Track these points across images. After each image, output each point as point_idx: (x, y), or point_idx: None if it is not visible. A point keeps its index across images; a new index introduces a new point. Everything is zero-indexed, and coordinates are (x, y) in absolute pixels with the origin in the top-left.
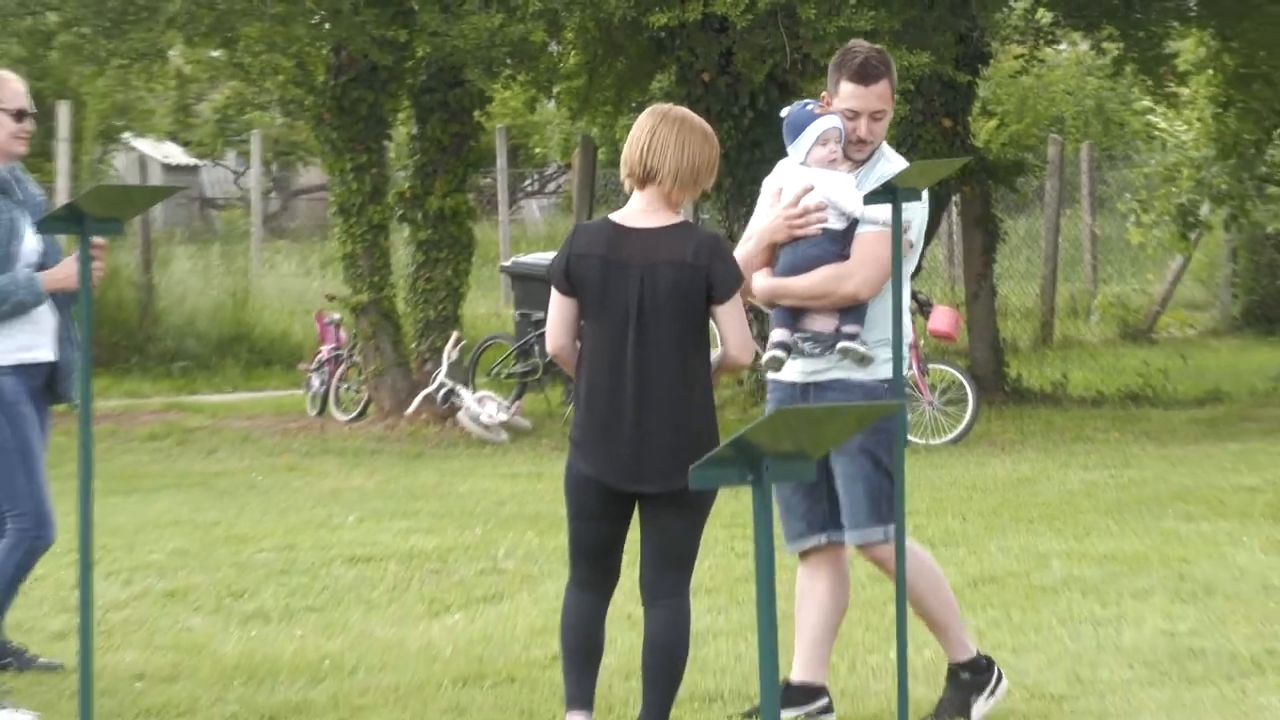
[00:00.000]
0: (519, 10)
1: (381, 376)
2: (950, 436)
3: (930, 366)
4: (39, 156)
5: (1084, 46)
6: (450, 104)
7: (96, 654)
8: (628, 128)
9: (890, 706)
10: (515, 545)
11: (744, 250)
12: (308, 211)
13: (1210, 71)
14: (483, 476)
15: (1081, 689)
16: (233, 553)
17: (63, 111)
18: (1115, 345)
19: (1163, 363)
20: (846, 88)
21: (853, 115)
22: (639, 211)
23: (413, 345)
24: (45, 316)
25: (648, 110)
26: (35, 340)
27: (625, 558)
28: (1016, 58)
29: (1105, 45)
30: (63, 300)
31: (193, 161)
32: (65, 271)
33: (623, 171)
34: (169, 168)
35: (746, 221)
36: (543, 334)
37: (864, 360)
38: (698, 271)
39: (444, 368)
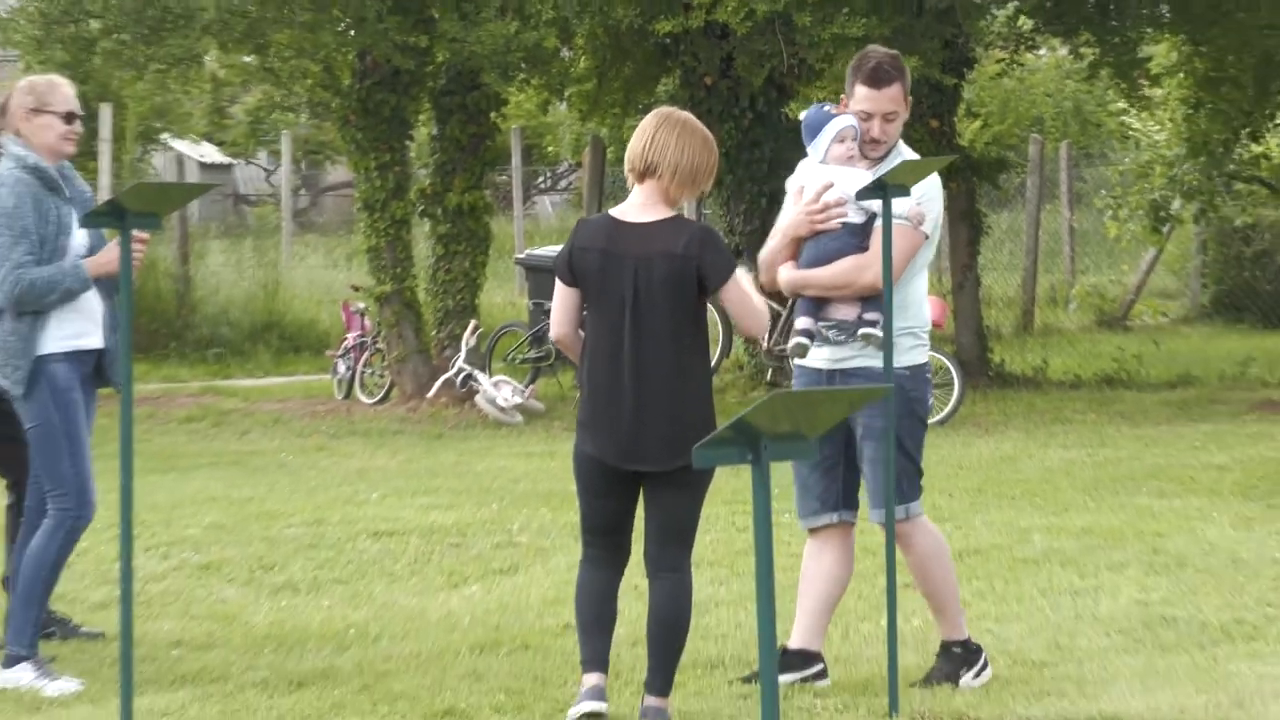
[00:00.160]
0: (533, 18)
1: (404, 362)
2: (937, 418)
3: None
4: (83, 156)
5: (1063, 51)
6: (468, 106)
7: (136, 623)
8: (635, 128)
9: (881, 672)
10: (529, 520)
11: (770, 245)
12: (334, 207)
13: (1181, 75)
14: (499, 456)
15: (1061, 656)
16: (264, 528)
17: (105, 114)
18: (1092, 332)
19: (1137, 348)
20: (861, 91)
21: (866, 116)
22: (636, 206)
23: (433, 333)
24: (94, 306)
25: (653, 112)
26: (86, 328)
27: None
28: (999, 62)
29: (1083, 50)
30: (109, 290)
31: (226, 160)
32: (108, 256)
33: (625, 166)
34: (204, 166)
35: (746, 217)
36: None
37: (885, 346)
38: (689, 263)
39: (462, 354)
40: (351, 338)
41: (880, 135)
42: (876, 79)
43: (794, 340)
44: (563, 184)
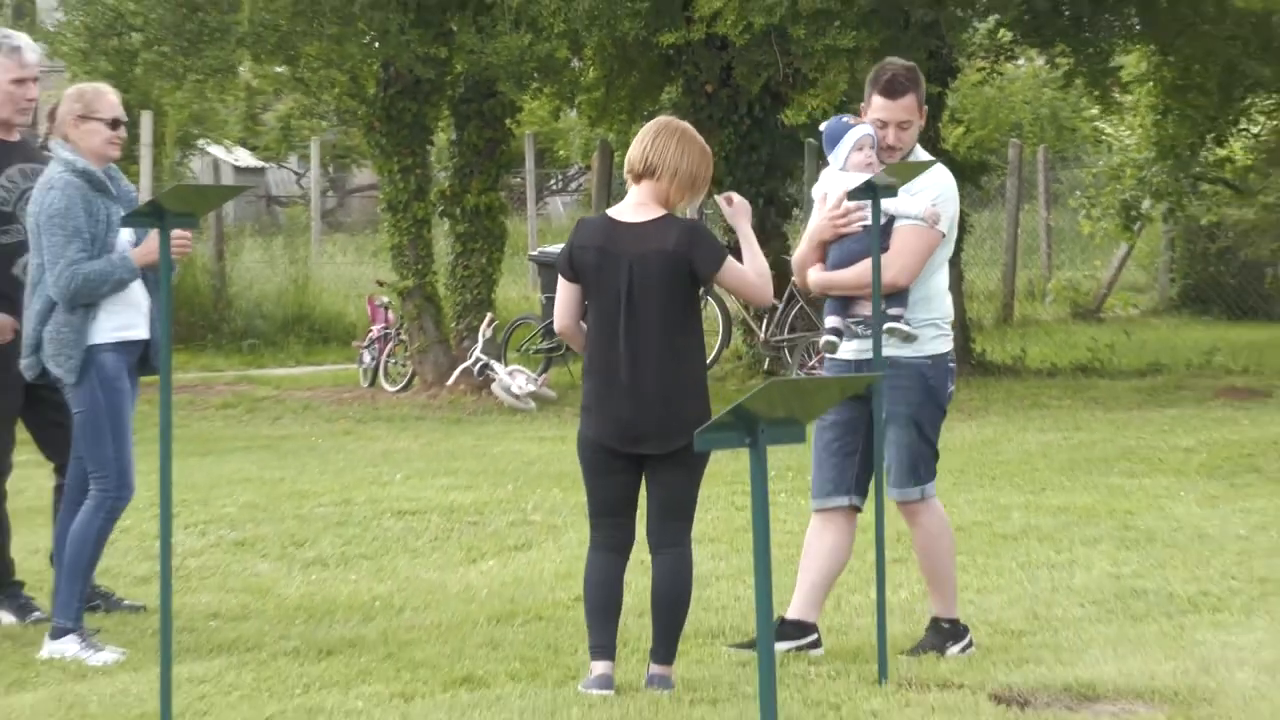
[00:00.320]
0: (545, 31)
1: (425, 352)
2: None
3: None
4: (126, 160)
5: (1040, 61)
6: (485, 113)
7: (175, 596)
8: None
9: (870, 641)
10: (542, 500)
11: (800, 250)
12: (360, 208)
13: (1151, 83)
14: (514, 440)
15: (1038, 625)
16: (295, 507)
17: (145, 121)
18: (1067, 323)
19: (1109, 339)
20: (877, 101)
21: (882, 125)
22: (632, 206)
23: (452, 325)
24: (141, 299)
25: (652, 121)
26: (133, 320)
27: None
28: (980, 71)
29: (1058, 60)
30: (154, 284)
31: (259, 164)
32: (151, 245)
33: (624, 169)
34: (239, 169)
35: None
36: None
37: (909, 338)
38: (681, 258)
39: (480, 345)
40: (376, 330)
41: (895, 142)
42: (891, 90)
43: (825, 338)
44: (573, 186)
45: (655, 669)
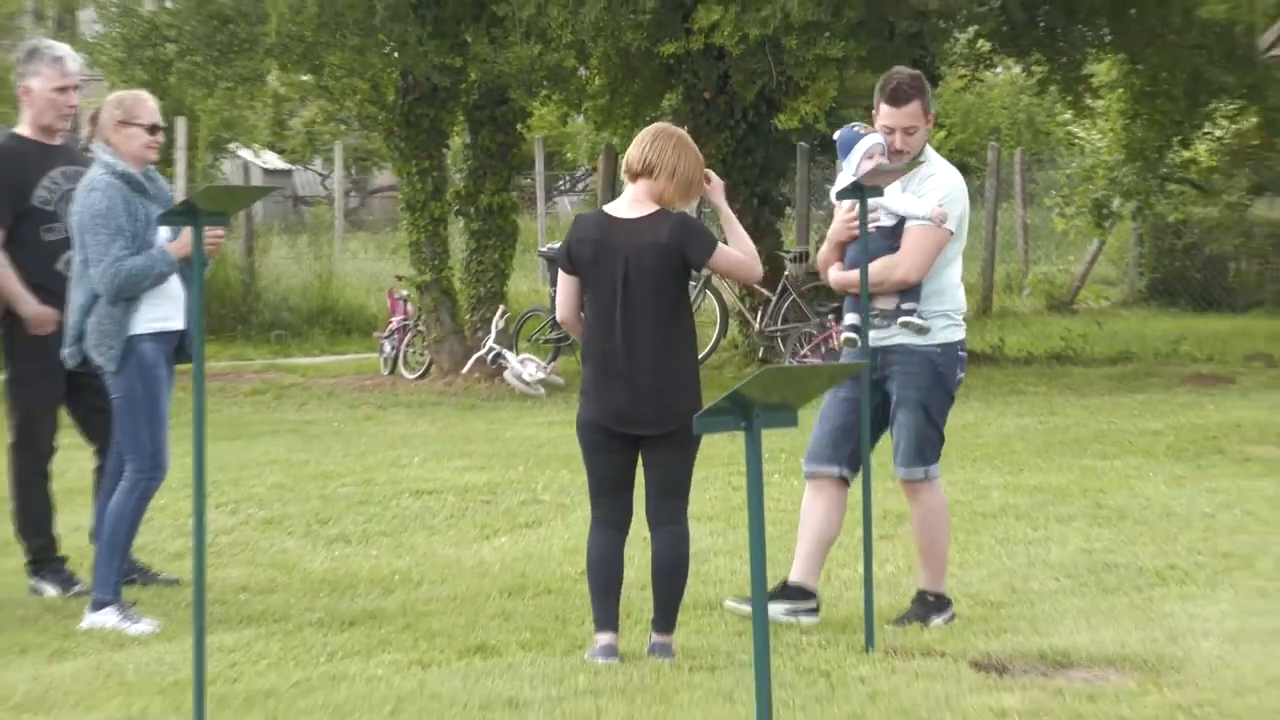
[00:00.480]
0: (554, 41)
1: (442, 342)
2: None
3: None
4: (162, 163)
5: (1016, 69)
6: (497, 118)
7: (208, 570)
8: None
9: (858, 612)
10: (551, 480)
11: (822, 251)
12: (381, 207)
13: (1121, 89)
14: (525, 424)
15: (1016, 597)
16: (320, 487)
17: (180, 126)
18: (1043, 315)
19: (1082, 329)
20: (883, 109)
21: (890, 131)
22: (627, 202)
23: (467, 316)
24: (178, 291)
25: (650, 127)
26: (171, 311)
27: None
28: (961, 78)
29: (1034, 68)
30: (188, 278)
31: (287, 166)
32: (185, 239)
33: (623, 169)
34: (267, 171)
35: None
36: None
37: (921, 330)
38: (673, 250)
39: (493, 335)
40: (396, 321)
41: (902, 147)
42: (896, 98)
43: (844, 334)
44: (580, 186)
45: (656, 638)
